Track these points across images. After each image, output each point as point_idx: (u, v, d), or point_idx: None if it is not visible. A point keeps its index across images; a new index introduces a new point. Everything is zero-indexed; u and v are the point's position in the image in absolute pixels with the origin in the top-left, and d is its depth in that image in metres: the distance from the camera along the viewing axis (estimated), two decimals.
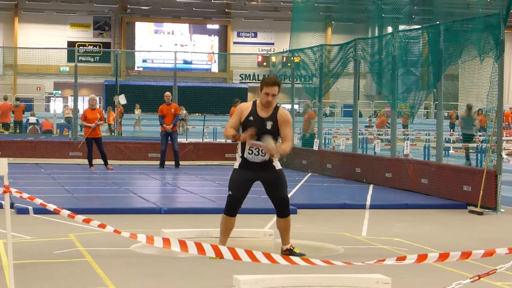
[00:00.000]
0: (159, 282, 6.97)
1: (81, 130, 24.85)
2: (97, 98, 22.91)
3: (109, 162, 20.33)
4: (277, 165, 8.18)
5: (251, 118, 8.08)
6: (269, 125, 8.05)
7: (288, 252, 8.24)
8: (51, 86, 50.26)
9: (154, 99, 32.52)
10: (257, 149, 8.03)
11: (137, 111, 39.95)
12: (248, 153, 8.06)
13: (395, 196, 14.86)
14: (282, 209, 8.25)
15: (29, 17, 52.62)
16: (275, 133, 8.08)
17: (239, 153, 8.19)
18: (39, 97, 48.06)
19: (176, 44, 53.82)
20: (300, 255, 8.13)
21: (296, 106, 30.85)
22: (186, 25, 55.52)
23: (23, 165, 20.81)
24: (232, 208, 8.19)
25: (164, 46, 53.64)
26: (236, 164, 8.24)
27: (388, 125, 31.77)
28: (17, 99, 35.36)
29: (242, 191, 8.17)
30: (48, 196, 12.04)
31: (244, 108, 8.19)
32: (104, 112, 28.36)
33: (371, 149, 21.72)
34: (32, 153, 23.34)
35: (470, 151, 22.72)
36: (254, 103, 8.21)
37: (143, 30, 55.38)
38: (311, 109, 26.49)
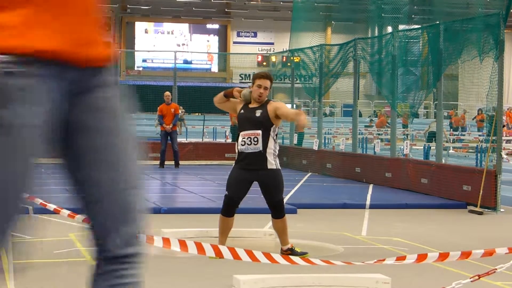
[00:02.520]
0: (159, 282, 6.97)
1: None
2: None
3: None
4: (273, 164, 8.15)
5: (242, 111, 8.24)
6: (258, 112, 8.16)
7: (289, 252, 8.22)
8: None
9: (154, 99, 32.52)
10: (249, 138, 8.09)
11: None
12: (241, 144, 8.13)
13: (395, 196, 14.85)
14: (277, 211, 8.26)
15: None
16: (266, 121, 8.11)
17: (236, 148, 8.30)
18: None
19: (178, 45, 53.79)
20: (302, 254, 8.14)
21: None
22: (186, 25, 55.51)
23: None
24: (228, 208, 8.19)
25: (164, 46, 53.64)
26: (235, 162, 8.30)
27: (388, 125, 31.77)
28: None
29: (239, 191, 8.17)
30: (48, 196, 12.03)
31: (238, 103, 8.32)
32: None
33: (371, 149, 21.71)
34: None
35: (470, 151, 22.81)
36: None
37: (143, 30, 55.39)
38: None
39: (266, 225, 10.53)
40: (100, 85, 2.23)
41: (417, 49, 16.95)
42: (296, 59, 22.48)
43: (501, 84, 13.08)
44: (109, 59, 2.25)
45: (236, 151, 8.29)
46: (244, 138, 8.12)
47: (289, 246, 8.31)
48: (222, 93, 8.45)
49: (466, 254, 4.97)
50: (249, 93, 8.20)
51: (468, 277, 5.52)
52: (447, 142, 25.75)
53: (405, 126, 32.58)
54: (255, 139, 8.08)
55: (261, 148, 8.08)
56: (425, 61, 16.14)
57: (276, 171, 8.17)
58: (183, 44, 54.67)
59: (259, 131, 8.08)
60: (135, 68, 54.56)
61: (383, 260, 5.08)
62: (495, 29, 13.14)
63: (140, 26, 55.33)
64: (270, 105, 8.20)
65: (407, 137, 27.26)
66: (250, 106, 8.22)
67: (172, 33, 55.45)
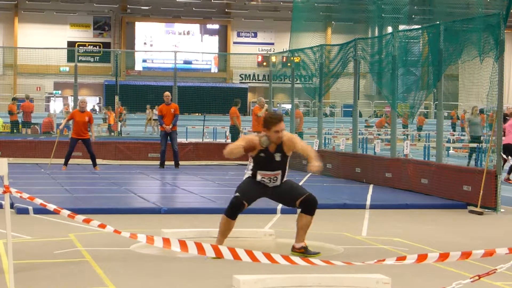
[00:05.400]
0: (159, 282, 6.97)
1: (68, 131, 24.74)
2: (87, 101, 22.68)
3: (109, 162, 20.31)
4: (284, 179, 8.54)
5: (262, 154, 8.28)
6: (278, 156, 8.33)
7: (303, 250, 8.33)
8: (51, 86, 50.25)
9: (154, 99, 32.53)
10: (269, 178, 8.34)
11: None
12: (261, 180, 8.36)
13: (395, 196, 14.85)
14: (311, 206, 8.56)
15: (29, 17, 52.61)
16: (285, 161, 8.42)
17: (249, 169, 8.40)
18: (39, 97, 48.04)
19: (175, 45, 53.77)
20: (314, 253, 8.32)
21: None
22: (191, 25, 55.42)
23: (23, 165, 20.80)
24: (235, 211, 8.32)
25: (166, 46, 53.60)
26: (248, 174, 8.42)
27: (387, 124, 31.78)
28: (14, 99, 35.24)
29: (251, 199, 8.37)
30: (48, 196, 12.03)
31: (255, 141, 8.21)
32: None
33: (371, 149, 21.71)
34: (32, 153, 23.31)
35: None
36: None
37: (144, 30, 55.32)
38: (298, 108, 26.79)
39: (266, 225, 10.53)
40: None
41: (417, 49, 16.93)
42: (296, 59, 22.47)
43: (501, 84, 13.07)
44: None
45: (248, 172, 8.41)
46: (263, 177, 8.34)
47: (303, 244, 8.38)
48: (241, 149, 8.13)
49: (466, 254, 4.96)
50: (267, 138, 8.19)
51: (468, 277, 5.52)
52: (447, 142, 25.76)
53: (405, 126, 32.59)
54: (275, 178, 8.40)
55: (279, 183, 8.44)
56: (425, 61, 16.12)
57: (287, 180, 8.55)
58: (176, 45, 54.54)
59: (279, 171, 8.39)
60: (135, 68, 54.54)
61: (383, 260, 5.08)
62: (495, 29, 13.13)
63: (140, 26, 55.27)
64: (285, 143, 8.31)
65: (407, 137, 27.24)
66: (270, 148, 8.29)
67: (187, 33, 55.27)
